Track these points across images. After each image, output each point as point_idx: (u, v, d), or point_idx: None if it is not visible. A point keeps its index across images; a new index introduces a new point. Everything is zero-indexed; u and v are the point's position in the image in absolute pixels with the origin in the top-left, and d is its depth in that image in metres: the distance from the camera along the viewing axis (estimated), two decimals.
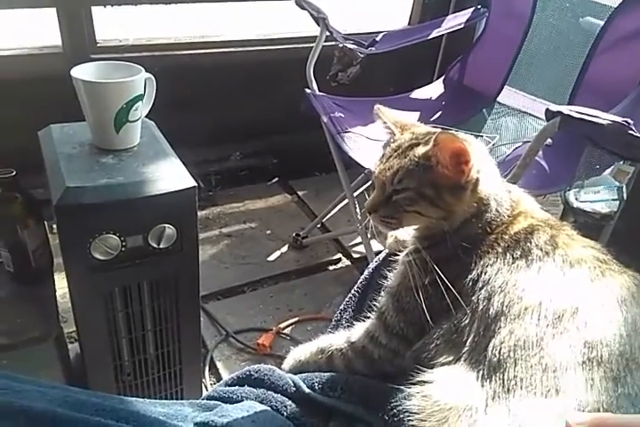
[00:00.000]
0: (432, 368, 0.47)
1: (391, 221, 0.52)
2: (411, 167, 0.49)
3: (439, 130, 0.55)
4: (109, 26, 1.76)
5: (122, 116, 0.86)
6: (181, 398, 1.05)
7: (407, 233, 0.57)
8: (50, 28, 1.61)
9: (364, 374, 0.56)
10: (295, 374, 0.59)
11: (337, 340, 0.59)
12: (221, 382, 0.61)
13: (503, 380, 0.41)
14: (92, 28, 1.63)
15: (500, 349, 0.42)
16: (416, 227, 0.54)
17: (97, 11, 1.61)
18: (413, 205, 0.50)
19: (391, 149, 0.53)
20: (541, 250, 0.47)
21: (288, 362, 0.64)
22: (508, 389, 0.40)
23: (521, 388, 0.39)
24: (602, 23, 1.42)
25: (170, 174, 0.86)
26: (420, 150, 0.50)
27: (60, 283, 0.98)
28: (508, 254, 0.48)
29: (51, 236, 1.00)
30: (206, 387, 1.22)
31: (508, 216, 0.51)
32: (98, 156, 0.88)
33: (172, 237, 0.87)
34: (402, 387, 0.49)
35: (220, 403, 0.55)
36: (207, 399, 0.57)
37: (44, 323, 0.92)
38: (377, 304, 0.57)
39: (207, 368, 1.28)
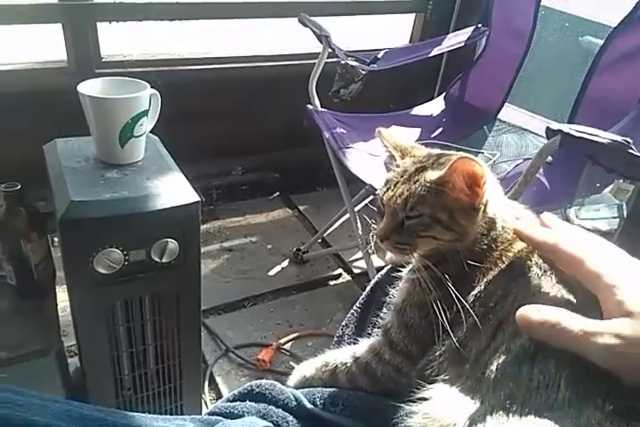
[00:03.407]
0: (434, 385, 0.47)
1: (405, 246, 0.51)
2: (423, 193, 0.49)
3: (439, 151, 0.56)
4: (114, 41, 1.78)
5: (127, 131, 0.87)
6: (181, 414, 1.05)
7: None
8: (55, 43, 1.63)
9: (367, 391, 0.56)
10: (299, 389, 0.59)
11: (342, 354, 0.59)
12: (223, 398, 0.61)
13: (501, 396, 0.41)
14: (96, 43, 1.66)
15: (498, 366, 0.42)
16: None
17: (102, 26, 1.64)
18: (428, 230, 0.49)
19: (397, 174, 0.52)
20: (540, 268, 0.47)
21: (293, 378, 0.64)
22: (507, 405, 0.40)
23: (519, 405, 0.40)
24: (601, 42, 1.44)
25: (173, 189, 0.86)
26: (432, 175, 0.49)
27: (61, 296, 0.98)
28: (509, 272, 0.48)
29: (53, 249, 1.00)
30: (206, 403, 1.21)
31: (513, 233, 0.51)
32: (102, 170, 0.88)
33: (175, 252, 0.87)
34: (404, 404, 0.49)
35: (221, 418, 0.55)
36: (209, 415, 0.56)
37: (46, 337, 0.91)
38: (381, 321, 0.57)
39: (207, 383, 1.28)
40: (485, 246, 0.50)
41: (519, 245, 0.50)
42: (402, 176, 0.52)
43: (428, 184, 0.49)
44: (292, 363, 0.67)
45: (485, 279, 0.49)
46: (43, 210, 0.96)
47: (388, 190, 0.52)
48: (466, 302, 0.48)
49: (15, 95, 1.49)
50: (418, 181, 0.50)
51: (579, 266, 0.42)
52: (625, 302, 0.38)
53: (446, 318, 0.48)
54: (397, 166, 0.54)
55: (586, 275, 0.42)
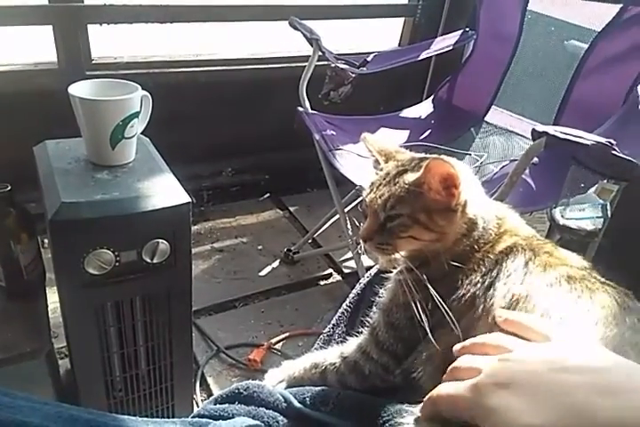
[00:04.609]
0: (421, 385, 0.48)
1: (387, 247, 0.52)
2: (402, 194, 0.50)
3: (422, 155, 0.57)
4: (105, 43, 1.78)
5: (118, 132, 0.87)
6: (172, 414, 1.05)
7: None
8: (46, 45, 1.63)
9: (356, 389, 0.57)
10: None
11: (331, 355, 0.60)
12: (210, 399, 0.61)
13: None
14: (87, 45, 1.65)
15: None
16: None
17: (93, 28, 1.64)
18: (407, 230, 0.51)
19: (380, 177, 0.54)
20: (517, 273, 0.48)
21: (277, 377, 0.65)
22: None
23: None
24: (586, 46, 1.47)
25: (164, 190, 0.87)
26: (410, 177, 0.51)
27: (51, 297, 0.98)
28: (489, 274, 0.49)
29: (43, 250, 1.00)
30: (197, 403, 1.21)
31: (495, 234, 0.52)
32: (93, 171, 0.89)
33: (166, 253, 0.87)
34: (393, 402, 0.50)
35: (211, 421, 0.55)
36: (198, 417, 0.57)
37: (36, 338, 0.91)
38: (369, 320, 0.58)
39: (198, 384, 1.28)
40: (468, 247, 0.51)
41: (502, 246, 0.51)
42: (384, 179, 0.53)
43: (407, 186, 0.50)
44: (282, 363, 0.68)
45: (468, 281, 0.50)
46: (33, 211, 0.96)
47: (370, 192, 0.53)
48: (447, 304, 0.49)
49: (5, 96, 1.48)
50: (398, 182, 0.51)
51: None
52: None
53: (429, 320, 0.49)
54: (381, 170, 0.55)
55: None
